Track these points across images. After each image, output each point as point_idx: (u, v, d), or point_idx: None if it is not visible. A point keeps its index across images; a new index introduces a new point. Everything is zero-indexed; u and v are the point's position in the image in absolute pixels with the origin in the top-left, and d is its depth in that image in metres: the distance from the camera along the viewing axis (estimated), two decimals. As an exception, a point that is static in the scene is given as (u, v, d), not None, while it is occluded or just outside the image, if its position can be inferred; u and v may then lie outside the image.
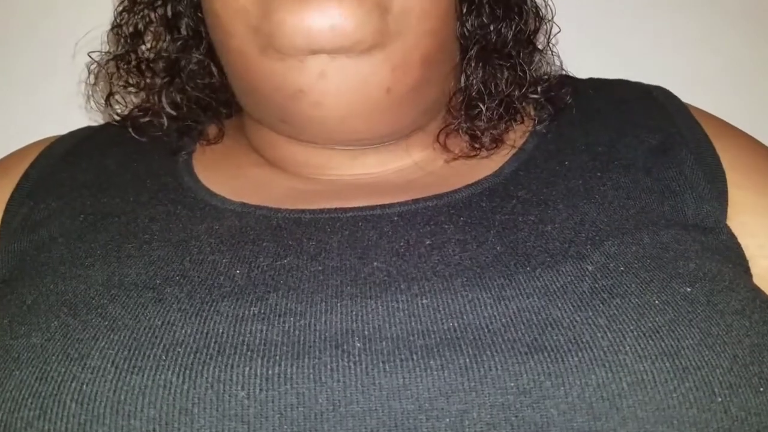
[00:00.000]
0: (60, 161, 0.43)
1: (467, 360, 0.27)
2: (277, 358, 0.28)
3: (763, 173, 0.39)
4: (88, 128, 0.48)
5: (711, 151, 0.39)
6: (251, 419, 0.26)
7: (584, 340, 0.28)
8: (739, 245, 0.36)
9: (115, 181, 0.41)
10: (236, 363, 0.28)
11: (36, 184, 0.41)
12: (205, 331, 0.29)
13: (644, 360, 0.27)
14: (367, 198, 0.38)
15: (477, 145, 0.40)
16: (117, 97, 0.46)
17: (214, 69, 0.45)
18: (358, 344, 0.28)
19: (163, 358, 0.28)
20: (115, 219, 0.37)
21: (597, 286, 0.30)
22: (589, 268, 0.31)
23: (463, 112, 0.41)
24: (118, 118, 0.46)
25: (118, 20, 0.46)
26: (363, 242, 0.34)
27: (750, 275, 0.35)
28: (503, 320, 0.29)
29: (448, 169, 0.40)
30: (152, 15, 0.45)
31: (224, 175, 0.41)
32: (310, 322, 0.29)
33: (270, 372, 0.27)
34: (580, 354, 0.27)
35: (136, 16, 0.45)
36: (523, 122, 0.43)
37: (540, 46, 0.44)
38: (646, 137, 0.40)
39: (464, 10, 0.40)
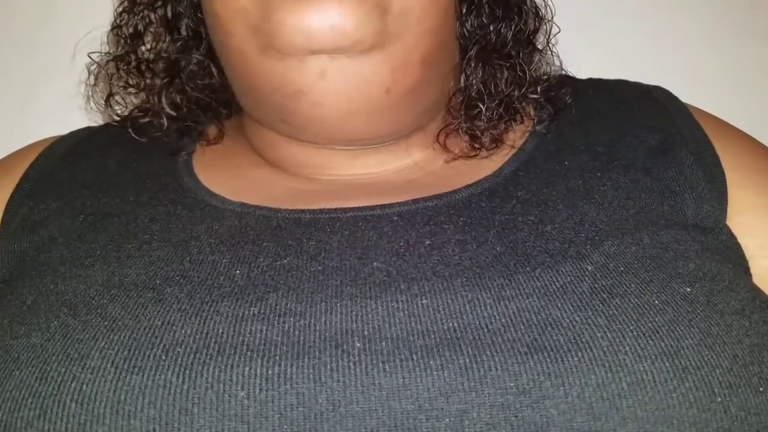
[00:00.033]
0: (60, 161, 0.43)
1: (467, 360, 0.27)
2: (277, 358, 0.28)
3: (763, 173, 0.39)
4: (88, 129, 0.48)
5: (711, 151, 0.39)
6: (251, 419, 0.26)
7: (584, 340, 0.28)
8: (738, 245, 0.36)
9: (115, 182, 0.41)
10: (236, 363, 0.28)
11: (36, 184, 0.41)
12: (205, 331, 0.29)
13: (644, 360, 0.27)
14: (366, 198, 0.38)
15: (477, 145, 0.40)
16: (117, 97, 0.47)
17: (213, 69, 0.45)
18: (358, 344, 0.28)
19: (163, 358, 0.28)
20: (115, 219, 0.37)
21: (597, 286, 0.30)
22: (589, 268, 0.31)
23: (462, 112, 0.41)
24: (117, 118, 0.46)
25: (117, 21, 0.46)
26: (363, 242, 0.34)
27: (750, 275, 0.35)
28: (503, 320, 0.29)
29: (448, 169, 0.40)
30: (152, 16, 0.45)
31: (224, 175, 0.41)
32: (310, 322, 0.29)
33: (270, 372, 0.27)
34: (579, 354, 0.27)
35: (135, 17, 0.45)
36: (522, 122, 0.43)
37: (540, 46, 0.44)
38: (646, 137, 0.40)
39: (464, 11, 0.40)
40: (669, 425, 0.26)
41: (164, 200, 0.39)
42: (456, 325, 0.29)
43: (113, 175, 0.42)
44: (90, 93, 0.48)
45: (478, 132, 0.40)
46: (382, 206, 0.37)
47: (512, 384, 0.27)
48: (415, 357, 0.28)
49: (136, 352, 0.28)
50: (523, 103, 0.43)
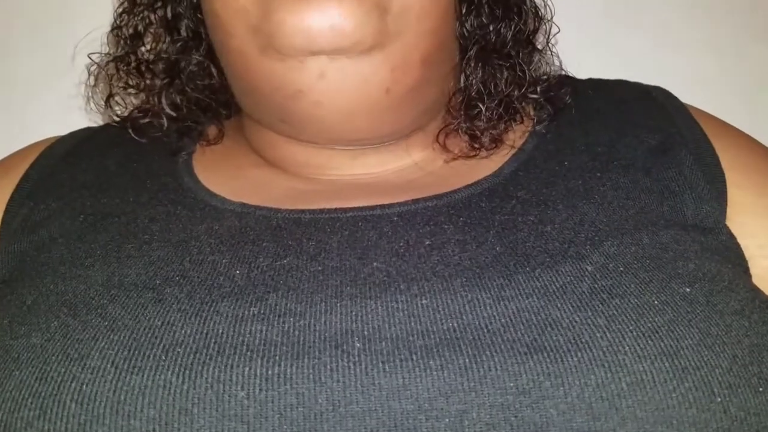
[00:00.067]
0: (60, 162, 0.43)
1: (467, 360, 0.27)
2: (277, 358, 0.28)
3: (763, 173, 0.39)
4: (88, 129, 0.48)
5: (710, 151, 0.39)
6: (251, 419, 0.26)
7: (583, 340, 0.28)
8: (738, 245, 0.36)
9: (115, 182, 0.41)
10: (236, 363, 0.28)
11: (36, 184, 0.41)
12: (205, 331, 0.29)
13: (643, 360, 0.27)
14: (366, 198, 0.38)
15: (476, 145, 0.40)
16: (117, 98, 0.47)
17: (213, 70, 0.45)
18: (358, 344, 0.28)
19: (163, 358, 0.28)
20: (115, 219, 0.37)
21: (596, 286, 0.30)
22: (589, 268, 0.31)
23: (462, 112, 0.41)
24: (117, 119, 0.46)
25: (117, 22, 0.46)
26: (363, 242, 0.34)
27: (749, 275, 0.35)
28: (503, 320, 0.29)
29: (448, 170, 0.40)
30: (152, 16, 0.45)
31: (224, 175, 0.42)
32: (310, 323, 0.29)
33: (270, 372, 0.27)
34: (579, 354, 0.27)
35: (135, 18, 0.45)
36: (522, 122, 0.43)
37: (539, 46, 0.44)
38: (646, 137, 0.40)
39: (463, 10, 0.40)
40: (668, 425, 0.26)
41: (164, 200, 0.39)
42: (456, 325, 0.29)
43: (113, 176, 0.42)
44: (90, 94, 0.48)
45: (477, 132, 0.40)
46: (382, 206, 0.37)
47: (512, 384, 0.27)
48: (414, 357, 0.28)
49: (136, 352, 0.28)
50: (523, 103, 0.43)
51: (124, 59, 0.45)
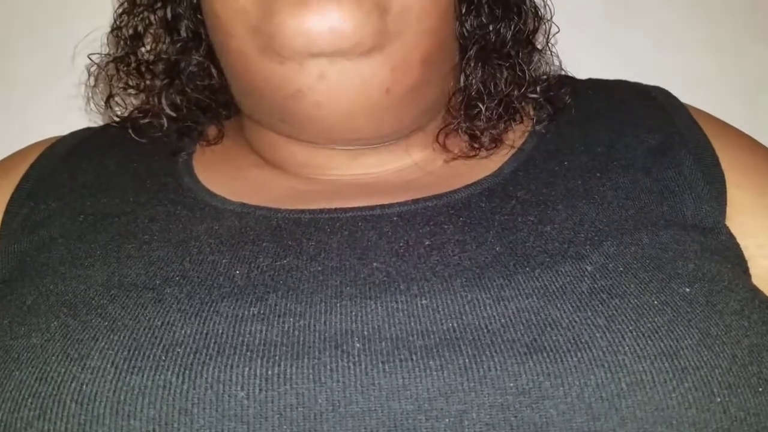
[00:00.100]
0: (60, 162, 0.43)
1: (466, 360, 0.27)
2: (277, 358, 0.28)
3: (763, 173, 0.39)
4: (88, 129, 0.48)
5: (710, 152, 0.39)
6: (251, 419, 0.26)
7: (583, 340, 0.28)
8: (738, 245, 0.36)
9: (115, 182, 0.41)
10: (236, 363, 0.28)
11: (36, 184, 0.41)
12: (205, 331, 0.29)
13: (643, 360, 0.27)
14: (366, 198, 0.38)
15: (476, 145, 0.40)
16: (117, 98, 0.47)
17: (213, 70, 0.45)
18: (358, 345, 0.28)
19: (163, 358, 0.28)
20: (115, 219, 0.37)
21: (596, 286, 0.30)
22: (588, 268, 0.31)
23: (462, 112, 0.41)
24: (117, 119, 0.47)
25: (117, 22, 0.46)
26: (362, 242, 0.34)
27: (749, 275, 0.35)
28: (502, 321, 0.29)
29: (448, 170, 0.41)
30: (152, 17, 0.45)
31: (224, 175, 0.42)
32: (310, 323, 0.30)
33: (269, 372, 0.27)
34: (579, 354, 0.27)
35: (135, 18, 0.45)
36: (522, 122, 0.43)
37: (539, 46, 0.44)
38: (646, 137, 0.40)
39: (463, 10, 0.40)
40: (668, 425, 0.26)
41: (164, 200, 0.39)
42: (455, 325, 0.29)
43: (113, 176, 0.42)
44: (90, 94, 0.48)
45: (477, 132, 0.40)
46: (382, 206, 0.37)
47: (512, 384, 0.27)
48: (414, 357, 0.28)
49: (136, 352, 0.28)
50: (523, 103, 0.43)
51: (124, 60, 0.45)
